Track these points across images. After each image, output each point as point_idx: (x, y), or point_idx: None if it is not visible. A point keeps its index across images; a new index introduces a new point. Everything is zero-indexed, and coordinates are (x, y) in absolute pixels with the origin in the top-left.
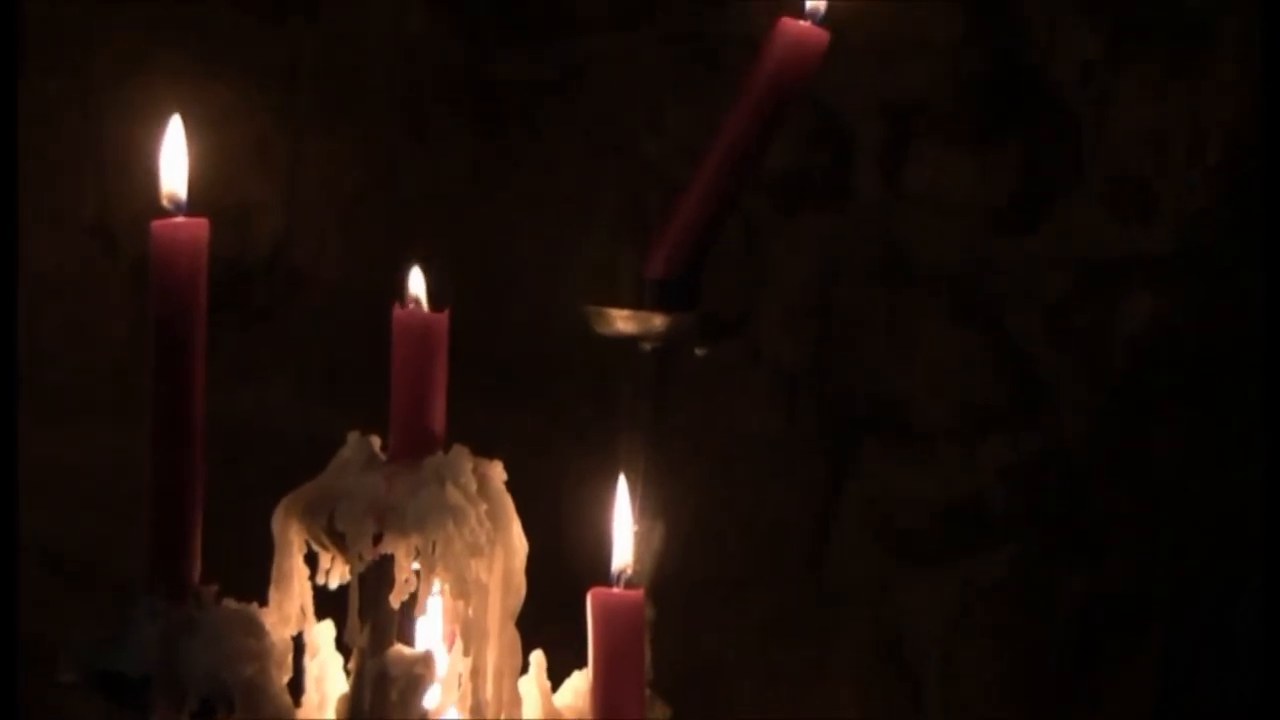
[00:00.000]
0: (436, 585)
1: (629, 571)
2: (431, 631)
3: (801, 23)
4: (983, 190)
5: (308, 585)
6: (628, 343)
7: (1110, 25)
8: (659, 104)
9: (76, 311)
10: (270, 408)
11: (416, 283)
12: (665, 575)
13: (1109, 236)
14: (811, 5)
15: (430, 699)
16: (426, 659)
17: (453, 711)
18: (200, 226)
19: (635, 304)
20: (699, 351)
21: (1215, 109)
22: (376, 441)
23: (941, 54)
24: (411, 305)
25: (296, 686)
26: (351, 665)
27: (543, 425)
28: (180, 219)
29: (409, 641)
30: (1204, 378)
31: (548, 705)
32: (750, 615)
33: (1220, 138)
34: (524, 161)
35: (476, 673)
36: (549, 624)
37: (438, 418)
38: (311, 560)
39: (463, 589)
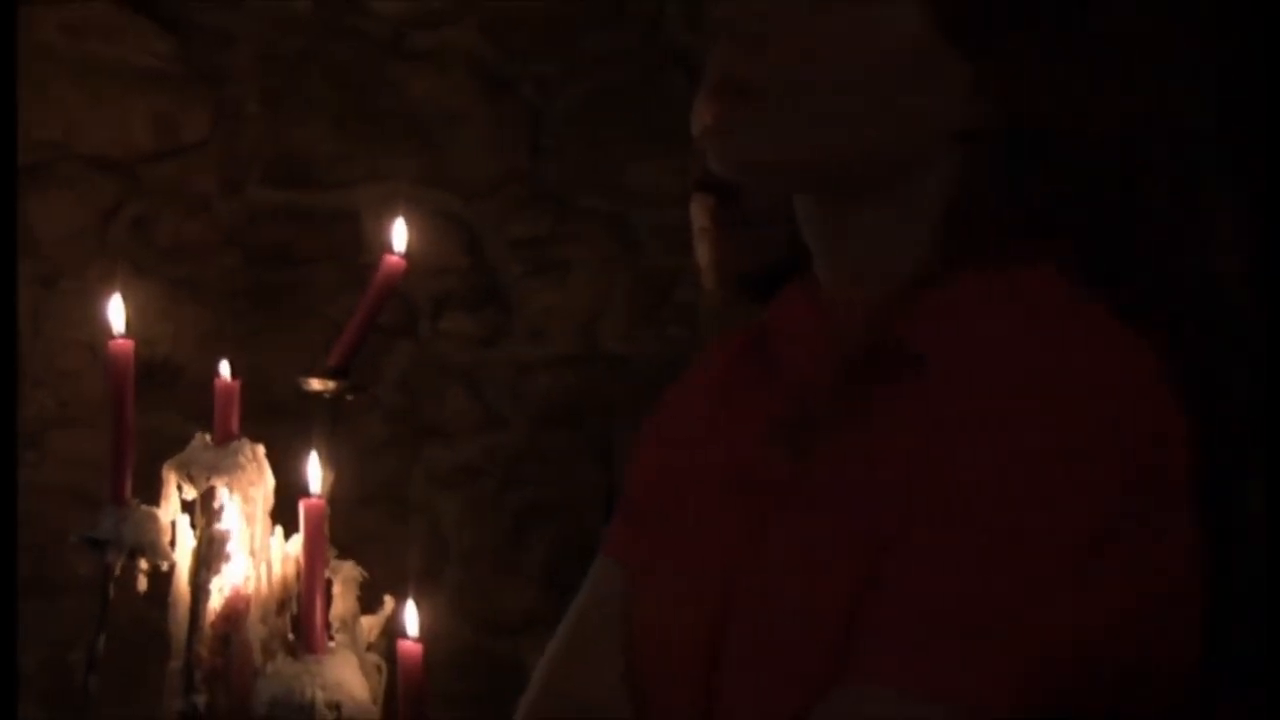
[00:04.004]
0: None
1: (316, 492)
2: (233, 518)
3: (393, 256)
4: (476, 331)
5: (178, 499)
6: (318, 395)
7: (530, 249)
8: (336, 291)
9: (76, 383)
10: (164, 426)
11: (225, 369)
12: (335, 495)
13: (528, 346)
14: (397, 251)
15: (231, 547)
16: (230, 531)
17: (241, 553)
18: (129, 345)
19: (322, 377)
20: (350, 398)
21: (577, 296)
22: (208, 436)
23: (447, 271)
24: (224, 379)
25: (173, 545)
26: (197, 534)
27: (284, 432)
28: (122, 341)
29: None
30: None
31: (284, 550)
32: (372, 513)
33: (578, 308)
34: (278, 309)
35: (251, 537)
36: (287, 515)
37: (235, 425)
38: (180, 488)
39: (246, 499)
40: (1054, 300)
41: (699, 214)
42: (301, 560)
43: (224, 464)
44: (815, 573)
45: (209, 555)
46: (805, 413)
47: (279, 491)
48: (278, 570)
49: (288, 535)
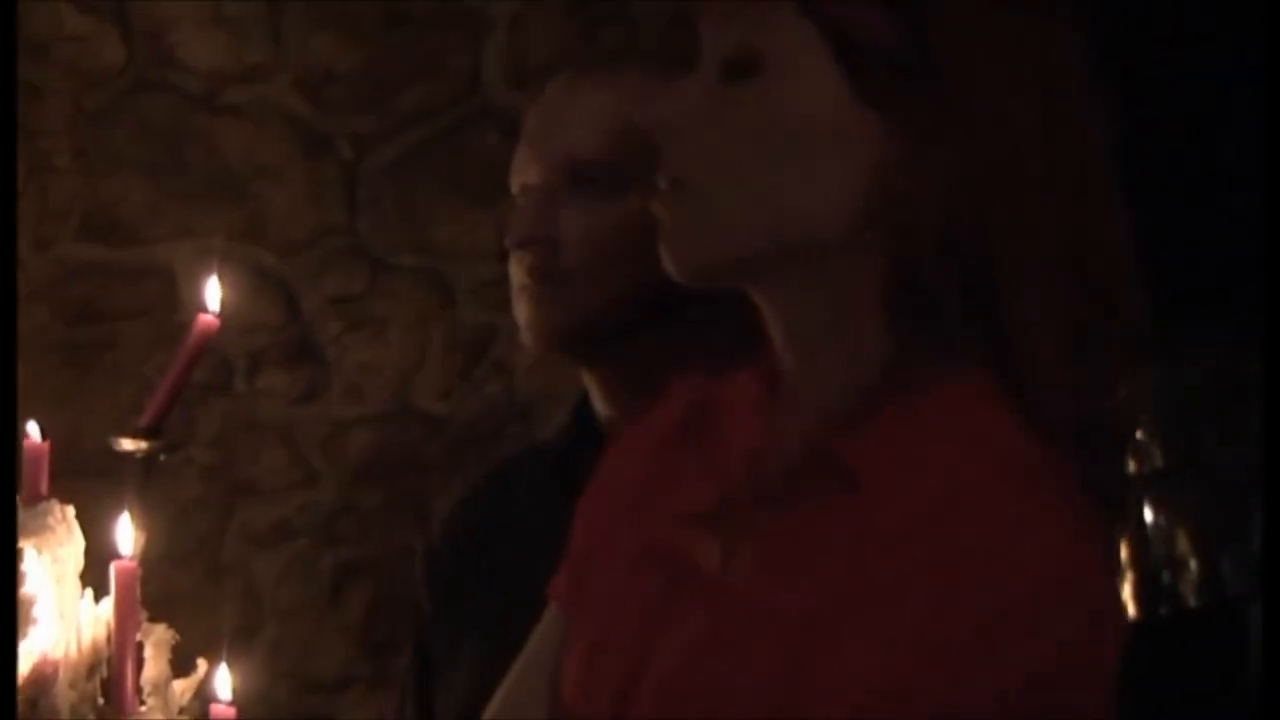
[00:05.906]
0: (46, 559)
1: (127, 554)
2: (41, 581)
3: (207, 316)
4: (291, 388)
5: None
6: (130, 454)
7: (346, 306)
8: (149, 348)
9: None
10: None
11: (33, 430)
12: (147, 556)
13: (345, 404)
14: (211, 309)
15: (39, 610)
16: (37, 594)
17: (49, 616)
18: None
19: (134, 436)
20: (163, 457)
21: (393, 353)
22: (16, 497)
23: (263, 328)
24: (32, 439)
25: None
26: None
27: (95, 492)
28: None
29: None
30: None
31: (94, 613)
32: (186, 573)
33: (394, 366)
34: (90, 367)
35: (60, 599)
36: (97, 578)
37: (44, 486)
38: None
39: (55, 560)
40: (987, 429)
41: (518, 271)
42: (112, 623)
43: (32, 525)
44: (728, 666)
45: (21, 613)
46: (736, 506)
47: (89, 553)
48: (87, 634)
49: (98, 598)
